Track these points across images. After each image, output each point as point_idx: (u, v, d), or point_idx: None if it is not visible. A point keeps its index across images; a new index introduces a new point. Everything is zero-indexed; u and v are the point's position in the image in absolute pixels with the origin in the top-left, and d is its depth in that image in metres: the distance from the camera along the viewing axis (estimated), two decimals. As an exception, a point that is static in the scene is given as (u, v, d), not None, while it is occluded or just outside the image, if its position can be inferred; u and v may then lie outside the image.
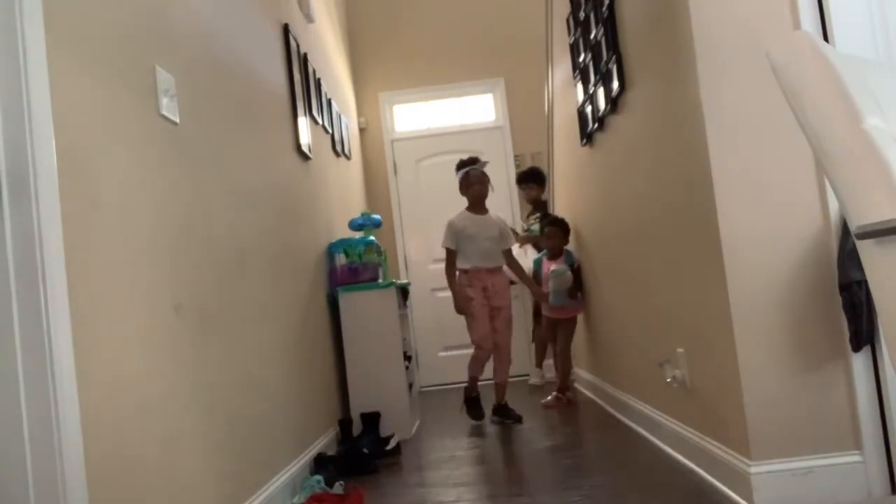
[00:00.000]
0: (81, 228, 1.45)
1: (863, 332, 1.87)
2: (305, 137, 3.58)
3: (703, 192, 2.09)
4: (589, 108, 3.56)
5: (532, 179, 5.17)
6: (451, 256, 3.99)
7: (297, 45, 3.67)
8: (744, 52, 2.01)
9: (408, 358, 3.92)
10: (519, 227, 5.47)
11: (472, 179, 4.03)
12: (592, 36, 3.29)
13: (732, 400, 2.06)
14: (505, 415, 3.89)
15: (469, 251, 3.96)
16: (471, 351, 4.00)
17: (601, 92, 3.23)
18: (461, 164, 4.11)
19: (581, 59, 3.60)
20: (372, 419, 3.47)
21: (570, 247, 4.47)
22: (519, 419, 3.84)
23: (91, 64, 1.57)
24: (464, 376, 4.05)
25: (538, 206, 5.19)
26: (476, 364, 4.00)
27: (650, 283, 2.84)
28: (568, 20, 3.86)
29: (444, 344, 5.70)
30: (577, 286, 4.36)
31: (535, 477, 2.81)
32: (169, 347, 1.77)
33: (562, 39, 4.15)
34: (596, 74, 3.32)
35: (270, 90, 3.09)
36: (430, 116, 6.16)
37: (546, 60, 4.94)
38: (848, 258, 1.88)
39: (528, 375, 5.30)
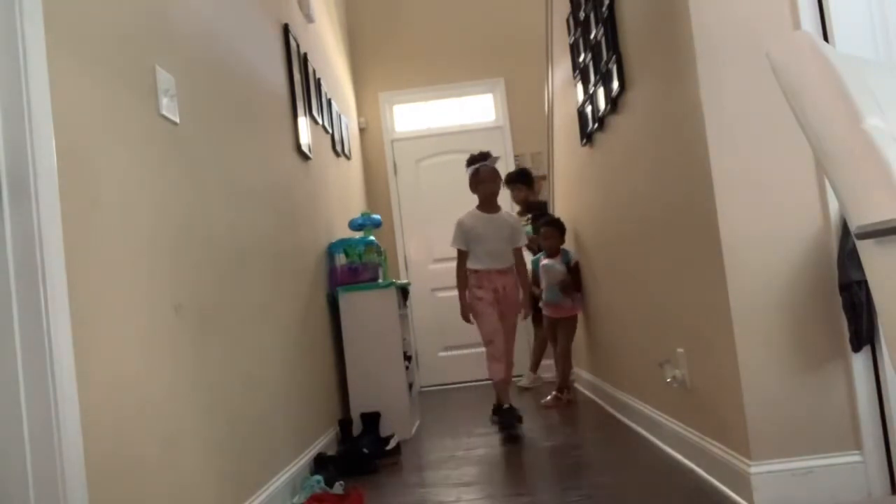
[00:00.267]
0: (81, 228, 1.45)
1: (863, 332, 1.87)
2: (305, 137, 3.58)
3: (703, 192, 2.09)
4: (589, 108, 3.56)
5: (520, 181, 5.16)
6: (461, 257, 3.82)
7: (297, 45, 3.67)
8: (744, 52, 2.01)
9: (408, 358, 3.92)
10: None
11: (483, 176, 3.81)
12: (592, 36, 3.29)
13: (732, 400, 2.06)
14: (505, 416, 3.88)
15: (479, 251, 3.79)
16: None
17: (601, 92, 3.23)
18: (472, 160, 3.88)
19: (581, 59, 3.60)
20: (372, 419, 3.47)
21: (570, 247, 4.48)
22: (519, 419, 3.83)
23: (91, 64, 1.57)
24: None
25: (528, 207, 5.19)
26: (494, 363, 3.74)
27: (650, 283, 2.84)
28: (568, 20, 3.86)
29: (444, 344, 5.68)
30: (575, 285, 4.36)
31: (535, 477, 2.82)
32: (169, 347, 1.77)
33: (562, 39, 4.15)
34: (596, 74, 3.32)
35: (270, 90, 3.09)
36: (430, 116, 6.16)
37: (546, 60, 4.94)
38: (848, 258, 1.88)
39: (522, 376, 5.30)
